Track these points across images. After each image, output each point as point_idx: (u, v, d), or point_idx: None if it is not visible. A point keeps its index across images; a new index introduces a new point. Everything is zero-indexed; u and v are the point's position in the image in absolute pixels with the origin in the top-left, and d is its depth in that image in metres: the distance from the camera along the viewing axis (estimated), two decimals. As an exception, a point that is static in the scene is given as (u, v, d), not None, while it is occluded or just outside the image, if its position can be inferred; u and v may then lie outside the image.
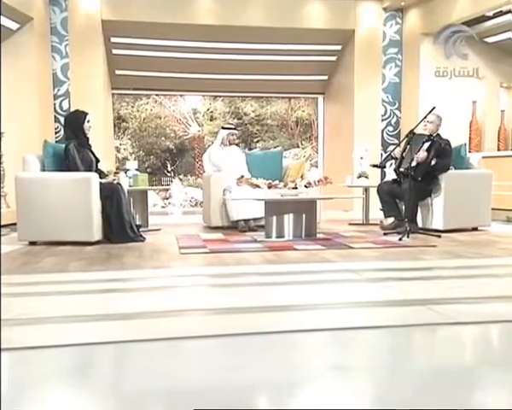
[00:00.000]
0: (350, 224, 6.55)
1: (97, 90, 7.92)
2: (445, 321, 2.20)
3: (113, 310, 2.42)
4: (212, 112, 18.32)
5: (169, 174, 18.20)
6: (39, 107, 7.20)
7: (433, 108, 5.00)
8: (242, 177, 5.57)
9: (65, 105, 7.66)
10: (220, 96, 15.60)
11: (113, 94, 9.28)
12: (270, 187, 4.91)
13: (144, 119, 17.75)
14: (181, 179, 17.66)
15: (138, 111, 17.84)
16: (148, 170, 18.00)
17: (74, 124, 4.88)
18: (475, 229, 5.69)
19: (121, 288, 2.95)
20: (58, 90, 7.73)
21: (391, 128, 8.71)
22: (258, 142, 18.49)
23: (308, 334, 2.08)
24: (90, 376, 1.73)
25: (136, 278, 3.21)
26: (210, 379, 1.64)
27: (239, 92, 11.34)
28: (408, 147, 5.14)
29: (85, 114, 4.94)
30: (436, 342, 2.08)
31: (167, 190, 15.71)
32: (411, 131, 5.04)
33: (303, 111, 18.33)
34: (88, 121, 4.92)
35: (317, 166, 10.24)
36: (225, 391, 1.55)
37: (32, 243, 4.77)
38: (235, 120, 18.12)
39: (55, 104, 7.66)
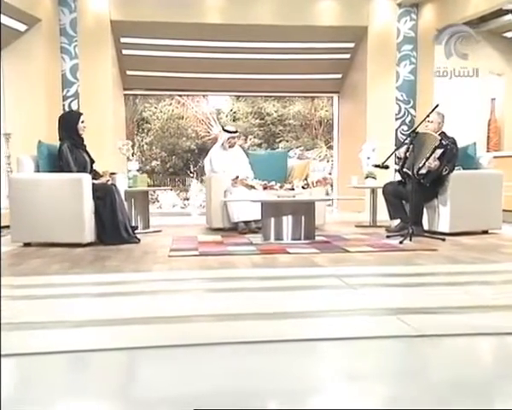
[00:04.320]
0: (356, 226, 6.35)
1: (107, 91, 7.91)
2: (407, 333, 2.03)
3: (70, 316, 2.34)
4: (235, 112, 18.28)
5: (191, 175, 18.24)
6: (47, 108, 7.20)
7: (437, 105, 4.80)
8: (237, 177, 5.45)
9: (74, 106, 7.64)
10: (236, 96, 15.53)
11: (125, 95, 9.26)
12: (265, 188, 4.77)
13: (167, 119, 17.83)
14: (203, 180, 17.63)
15: (161, 112, 17.94)
16: (171, 170, 18.11)
17: (68, 124, 4.84)
18: (486, 232, 5.44)
19: (87, 292, 2.86)
20: (67, 91, 7.73)
21: (405, 127, 8.45)
22: (280, 142, 18.37)
23: (260, 345, 1.95)
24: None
25: (109, 283, 3.12)
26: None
27: (255, 92, 11.24)
28: (411, 147, 4.93)
29: (79, 114, 4.91)
30: (390, 355, 1.91)
31: (182, 191, 15.74)
32: (413, 131, 4.84)
33: (326, 111, 18.13)
34: (82, 122, 4.87)
35: (331, 167, 10.05)
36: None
37: (27, 245, 4.74)
38: (257, 121, 18.04)
39: (64, 105, 7.65)
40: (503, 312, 2.38)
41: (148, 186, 10.76)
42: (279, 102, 17.91)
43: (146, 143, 17.14)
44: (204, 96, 16.57)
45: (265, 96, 15.19)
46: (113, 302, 2.64)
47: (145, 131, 17.67)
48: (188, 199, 16.31)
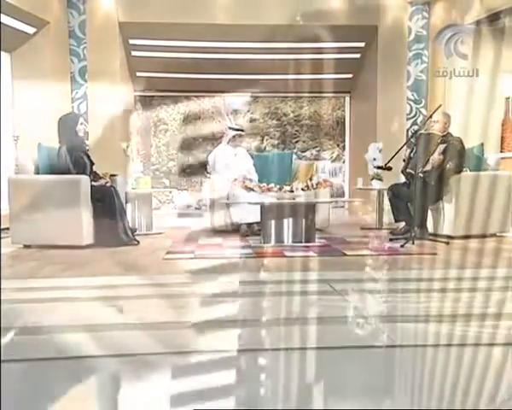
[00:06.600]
0: (362, 228, 6.24)
1: (115, 93, 7.92)
2: (381, 343, 1.96)
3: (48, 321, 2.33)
4: (252, 113, 18.25)
5: (208, 175, 18.27)
6: (56, 110, 7.23)
7: (439, 106, 4.70)
8: (235, 180, 5.40)
9: (83, 108, 7.69)
10: (251, 96, 15.52)
11: (135, 96, 9.30)
12: (263, 190, 4.71)
13: (183, 120, 17.90)
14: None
15: (178, 113, 18.02)
16: (188, 170, 18.19)
17: (67, 127, 4.85)
18: (494, 235, 5.29)
19: (72, 296, 2.85)
20: (76, 92, 7.77)
21: (417, 128, 8.28)
22: (297, 142, 18.28)
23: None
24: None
25: (97, 286, 3.09)
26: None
27: (267, 92, 11.20)
28: (414, 148, 4.84)
29: (78, 116, 4.93)
30: (363, 364, 1.84)
31: (198, 191, 15.77)
32: (416, 132, 4.75)
33: (343, 111, 17.98)
34: (81, 124, 4.89)
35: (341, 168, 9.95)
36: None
37: (27, 247, 4.76)
38: (274, 121, 17.98)
39: (72, 107, 7.69)
40: (488, 321, 2.29)
41: (165, 187, 10.80)
42: (295, 102, 17.82)
43: (163, 144, 17.23)
44: (221, 96, 16.61)
45: (276, 97, 15.13)
46: (96, 307, 2.62)
47: (162, 131, 17.75)
48: (201, 200, 16.32)
